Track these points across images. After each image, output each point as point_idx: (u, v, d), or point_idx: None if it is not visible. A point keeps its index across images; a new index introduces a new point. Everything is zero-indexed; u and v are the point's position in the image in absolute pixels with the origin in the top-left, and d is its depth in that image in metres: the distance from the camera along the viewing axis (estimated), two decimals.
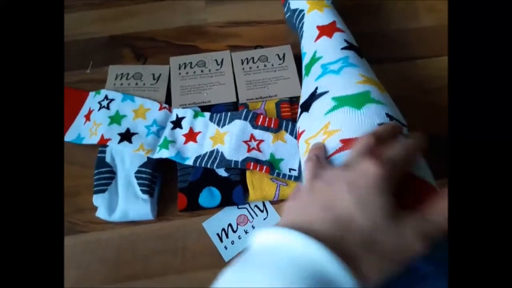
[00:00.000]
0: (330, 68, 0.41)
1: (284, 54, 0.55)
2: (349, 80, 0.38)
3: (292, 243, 0.17)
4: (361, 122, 0.34)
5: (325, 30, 0.45)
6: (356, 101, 0.36)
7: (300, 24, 0.50)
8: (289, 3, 0.53)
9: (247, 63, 0.55)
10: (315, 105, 0.39)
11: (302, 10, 0.50)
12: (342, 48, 0.43)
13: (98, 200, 0.44)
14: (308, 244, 0.17)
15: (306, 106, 0.41)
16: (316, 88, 0.40)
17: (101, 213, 0.44)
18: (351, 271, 0.17)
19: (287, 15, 0.55)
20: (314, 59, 0.44)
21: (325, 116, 0.37)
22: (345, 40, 0.44)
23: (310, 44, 0.46)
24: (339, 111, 0.36)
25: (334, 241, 0.18)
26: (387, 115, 0.35)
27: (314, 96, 0.40)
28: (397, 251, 0.19)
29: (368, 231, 0.19)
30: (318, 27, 0.46)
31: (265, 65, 0.55)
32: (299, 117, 0.43)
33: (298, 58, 0.54)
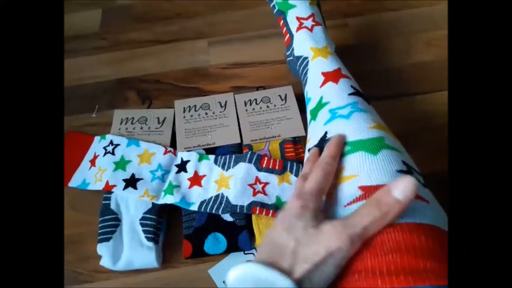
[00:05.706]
0: (339, 113, 0.40)
1: (286, 94, 0.56)
2: (361, 125, 0.38)
3: (245, 270, 0.28)
4: (379, 168, 0.33)
5: (331, 76, 0.45)
6: (371, 146, 0.35)
7: (304, 71, 0.50)
8: (293, 49, 0.53)
9: (250, 104, 0.56)
10: None
11: (306, 58, 0.50)
12: (349, 94, 0.43)
13: (103, 249, 0.43)
14: (249, 267, 0.28)
15: None
16: (326, 133, 0.40)
17: (106, 262, 0.43)
18: (278, 273, 0.27)
19: (290, 59, 0.55)
20: (320, 104, 0.44)
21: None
22: (352, 86, 0.44)
23: (315, 89, 0.46)
24: (353, 155, 0.35)
25: (268, 261, 0.28)
26: (404, 162, 0.35)
27: (324, 141, 0.39)
28: (318, 252, 0.28)
29: (292, 247, 0.29)
30: (323, 73, 0.46)
31: (267, 106, 0.55)
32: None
33: (299, 98, 0.55)
